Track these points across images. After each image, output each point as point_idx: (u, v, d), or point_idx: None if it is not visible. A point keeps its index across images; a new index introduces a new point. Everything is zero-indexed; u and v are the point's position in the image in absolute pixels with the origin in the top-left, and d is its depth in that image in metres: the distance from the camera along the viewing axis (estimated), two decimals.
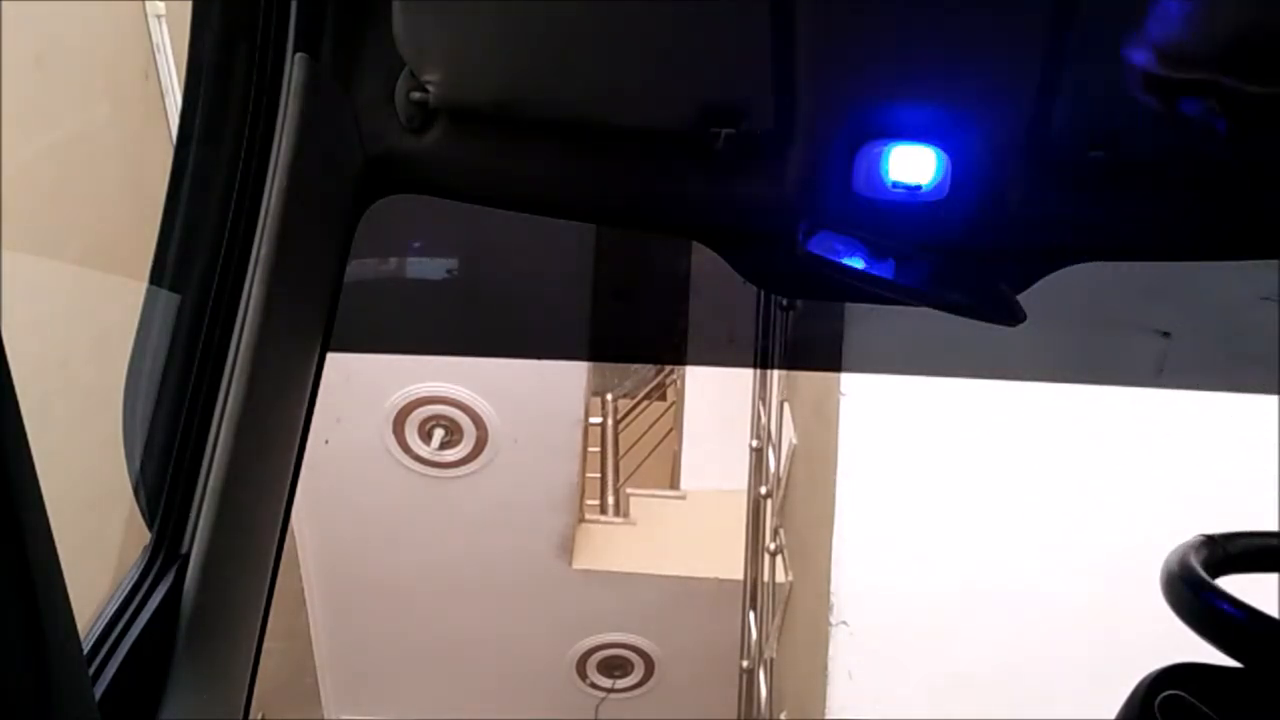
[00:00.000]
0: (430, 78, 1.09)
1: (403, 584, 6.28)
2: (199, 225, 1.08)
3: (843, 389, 3.45)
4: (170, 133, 2.94)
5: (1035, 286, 1.21)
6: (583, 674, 6.66)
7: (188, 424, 1.01)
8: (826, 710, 3.62)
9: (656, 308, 2.36)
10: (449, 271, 2.15)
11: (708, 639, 6.14)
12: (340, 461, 5.68)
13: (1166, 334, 2.16)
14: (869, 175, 1.10)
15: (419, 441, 5.89)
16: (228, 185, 1.04)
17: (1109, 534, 3.35)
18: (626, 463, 7.22)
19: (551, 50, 1.10)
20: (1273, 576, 1.29)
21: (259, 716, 5.63)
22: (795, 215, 1.11)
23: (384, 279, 2.08)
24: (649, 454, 7.46)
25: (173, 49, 2.94)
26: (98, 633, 0.91)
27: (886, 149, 1.09)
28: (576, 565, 6.27)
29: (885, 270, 1.10)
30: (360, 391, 5.63)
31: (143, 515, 1.04)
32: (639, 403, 7.83)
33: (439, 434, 5.87)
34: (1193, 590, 1.15)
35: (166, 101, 2.97)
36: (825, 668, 3.61)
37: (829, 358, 2.79)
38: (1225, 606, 1.10)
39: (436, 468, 5.96)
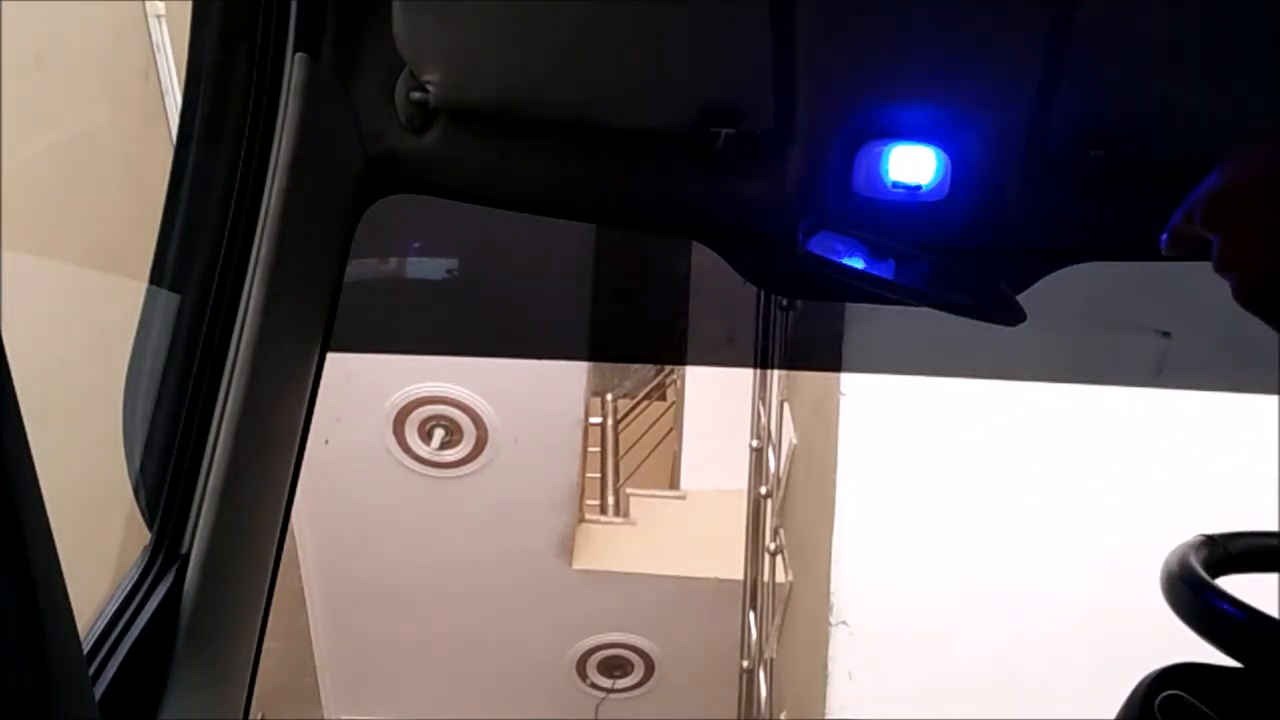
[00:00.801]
0: (430, 78, 1.09)
1: (403, 584, 6.28)
2: (199, 225, 1.08)
3: (843, 389, 3.46)
4: (170, 133, 2.94)
5: (1035, 286, 1.21)
6: (583, 674, 6.66)
7: (188, 424, 1.01)
8: (826, 710, 3.62)
9: (656, 308, 2.36)
10: (449, 271, 2.15)
11: (708, 639, 6.14)
12: (340, 461, 5.67)
13: (1166, 334, 2.16)
14: (869, 175, 1.10)
15: (419, 441, 5.89)
16: (228, 185, 1.04)
17: (1109, 534, 3.35)
18: (626, 463, 7.22)
19: (552, 50, 1.09)
20: (1273, 576, 1.29)
21: (259, 716, 5.62)
22: (795, 215, 1.11)
23: (384, 279, 2.08)
24: (649, 454, 7.46)
25: (173, 49, 2.94)
26: (98, 633, 0.91)
27: (886, 149, 1.09)
28: (576, 565, 6.27)
29: (885, 270, 1.10)
30: (360, 391, 5.63)
31: (143, 515, 1.04)
32: (639, 403, 7.82)
33: (439, 434, 5.87)
34: (1193, 590, 1.14)
35: (166, 101, 2.97)
36: (825, 668, 3.61)
37: (829, 358, 2.79)
38: (1225, 606, 1.10)
39: (436, 468, 5.96)
